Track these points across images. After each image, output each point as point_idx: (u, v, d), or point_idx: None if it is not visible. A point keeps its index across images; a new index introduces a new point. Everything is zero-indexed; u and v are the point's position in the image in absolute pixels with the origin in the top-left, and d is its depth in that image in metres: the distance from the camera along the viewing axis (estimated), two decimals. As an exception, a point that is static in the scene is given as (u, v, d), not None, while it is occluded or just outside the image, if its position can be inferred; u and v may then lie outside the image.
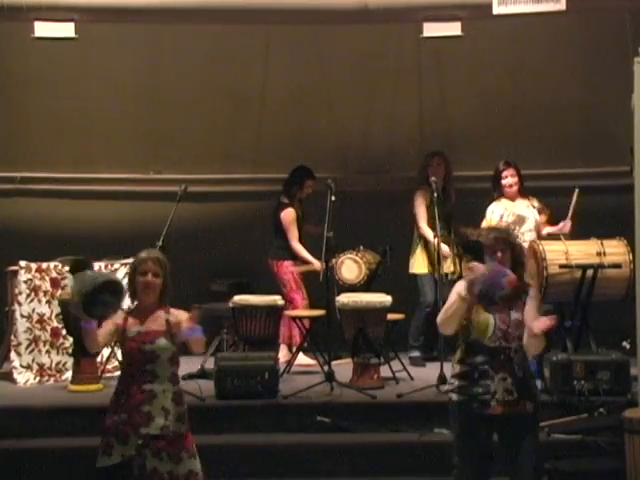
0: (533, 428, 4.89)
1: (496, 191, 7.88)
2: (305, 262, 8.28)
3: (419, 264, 8.25)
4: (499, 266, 4.81)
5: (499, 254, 4.90)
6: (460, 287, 4.83)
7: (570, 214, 7.67)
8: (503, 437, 4.86)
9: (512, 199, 7.83)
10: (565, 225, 7.67)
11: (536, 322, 4.73)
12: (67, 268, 7.63)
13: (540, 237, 7.70)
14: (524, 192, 7.88)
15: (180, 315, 4.80)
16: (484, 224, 7.74)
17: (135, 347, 4.69)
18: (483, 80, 9.17)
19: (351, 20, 8.41)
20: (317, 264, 7.91)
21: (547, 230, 7.79)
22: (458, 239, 8.00)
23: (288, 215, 8.36)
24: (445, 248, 7.92)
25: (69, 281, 4.79)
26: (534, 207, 7.81)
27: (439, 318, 4.89)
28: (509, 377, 4.78)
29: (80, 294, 4.59)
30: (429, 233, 8.07)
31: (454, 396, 4.87)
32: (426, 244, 8.18)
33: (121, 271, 7.75)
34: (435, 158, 8.32)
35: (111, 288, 4.64)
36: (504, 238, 4.98)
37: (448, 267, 8.02)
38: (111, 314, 4.71)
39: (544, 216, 7.84)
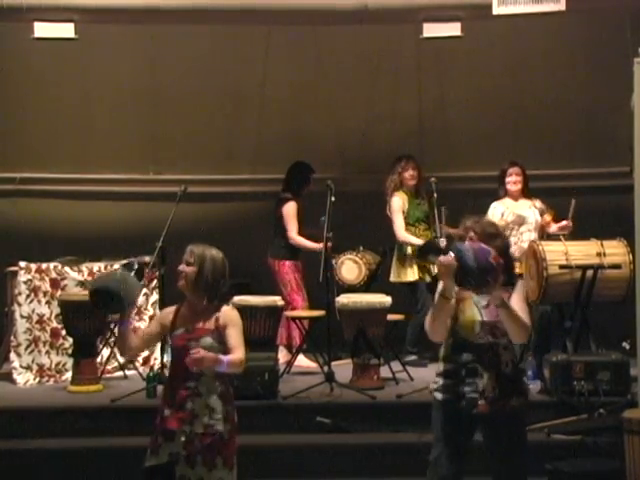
0: (518, 426, 4.66)
1: (501, 190, 7.89)
2: (310, 250, 8.07)
3: (412, 272, 8.17)
4: (477, 243, 4.49)
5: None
6: (439, 287, 4.53)
7: (570, 218, 7.66)
8: (487, 436, 4.67)
9: (515, 199, 7.84)
10: (567, 224, 7.66)
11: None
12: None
13: (541, 237, 7.70)
14: (528, 193, 7.89)
15: (229, 315, 4.71)
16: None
17: (181, 344, 4.63)
18: (483, 80, 9.17)
19: (351, 20, 8.42)
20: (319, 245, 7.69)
21: (553, 228, 7.77)
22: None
23: (291, 208, 8.27)
24: None
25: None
26: (536, 207, 7.80)
27: (427, 325, 4.63)
28: (496, 374, 4.56)
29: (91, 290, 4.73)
30: (414, 239, 8.09)
31: (439, 395, 4.64)
32: (412, 250, 8.14)
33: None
34: (411, 163, 8.28)
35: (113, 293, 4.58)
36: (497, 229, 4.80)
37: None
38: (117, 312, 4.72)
39: (548, 216, 7.82)
